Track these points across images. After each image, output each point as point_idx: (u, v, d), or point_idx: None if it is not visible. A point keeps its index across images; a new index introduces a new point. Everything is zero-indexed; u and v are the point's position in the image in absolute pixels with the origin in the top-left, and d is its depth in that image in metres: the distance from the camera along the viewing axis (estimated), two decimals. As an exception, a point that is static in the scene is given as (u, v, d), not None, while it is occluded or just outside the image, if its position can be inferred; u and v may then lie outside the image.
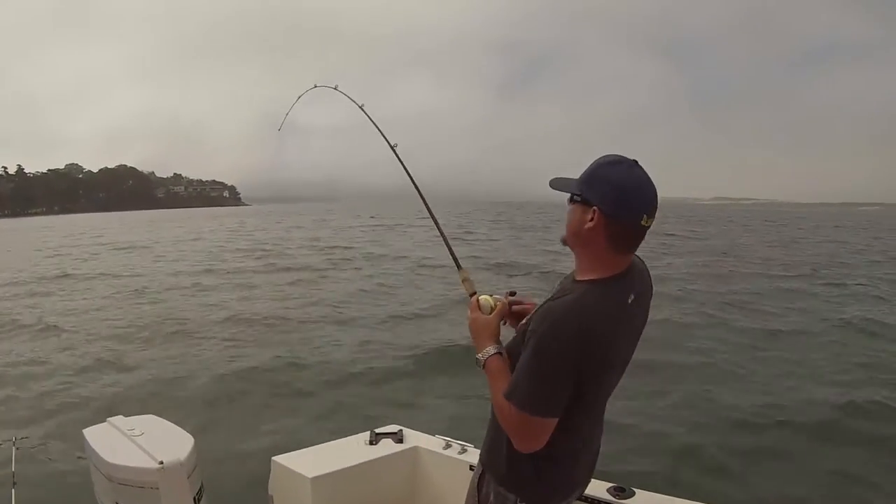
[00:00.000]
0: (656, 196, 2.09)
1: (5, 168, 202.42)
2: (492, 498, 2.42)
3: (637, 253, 2.21)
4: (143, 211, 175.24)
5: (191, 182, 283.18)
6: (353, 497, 3.87)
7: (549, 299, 2.23)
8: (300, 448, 4.08)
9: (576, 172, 2.20)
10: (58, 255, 35.85)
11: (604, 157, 2.15)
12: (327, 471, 3.74)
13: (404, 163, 3.17)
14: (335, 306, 16.37)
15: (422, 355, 11.09)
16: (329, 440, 4.26)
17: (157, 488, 3.01)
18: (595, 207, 2.07)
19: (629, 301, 2.16)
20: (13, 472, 3.32)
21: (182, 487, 3.08)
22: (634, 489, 3.26)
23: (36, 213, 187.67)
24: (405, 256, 28.54)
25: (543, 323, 2.07)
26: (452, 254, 2.86)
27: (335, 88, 3.63)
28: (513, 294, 2.58)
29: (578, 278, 2.19)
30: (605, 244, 2.09)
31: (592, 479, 3.04)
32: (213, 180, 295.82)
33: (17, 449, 3.59)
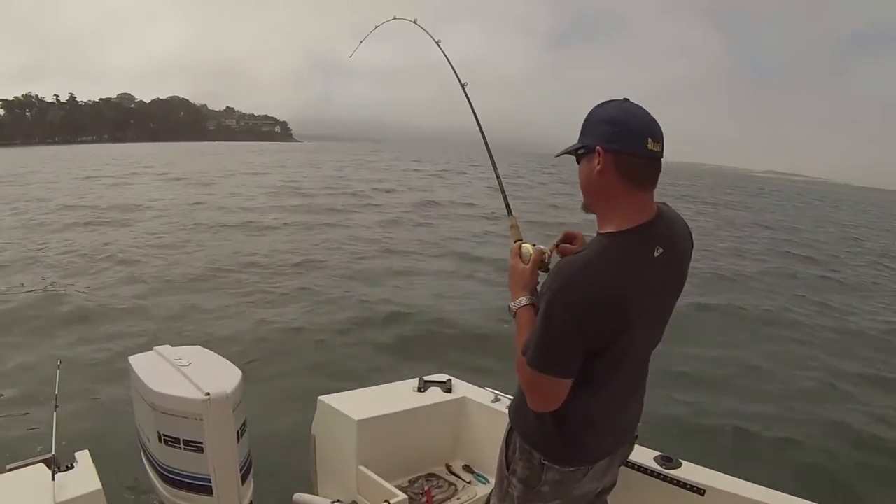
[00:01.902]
0: (656, 122, 2.00)
1: (57, 96, 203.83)
2: (517, 454, 2.36)
3: None
4: (194, 143, 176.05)
5: (242, 116, 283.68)
6: (397, 443, 3.81)
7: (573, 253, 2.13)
8: (347, 390, 4.02)
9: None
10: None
11: (594, 107, 2.07)
12: (374, 414, 3.69)
13: (472, 103, 3.05)
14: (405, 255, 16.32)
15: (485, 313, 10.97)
16: (377, 384, 4.22)
17: (201, 419, 2.95)
18: (598, 148, 1.99)
19: (655, 254, 2.03)
20: (55, 395, 3.27)
21: (226, 420, 3.02)
22: (682, 461, 3.18)
23: (85, 141, 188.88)
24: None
25: (554, 283, 1.99)
26: (505, 199, 2.80)
27: (414, 22, 3.50)
28: (568, 239, 2.42)
29: (599, 230, 2.08)
30: (618, 184, 2.00)
31: (639, 446, 2.96)
32: (265, 115, 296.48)
33: (61, 371, 3.54)
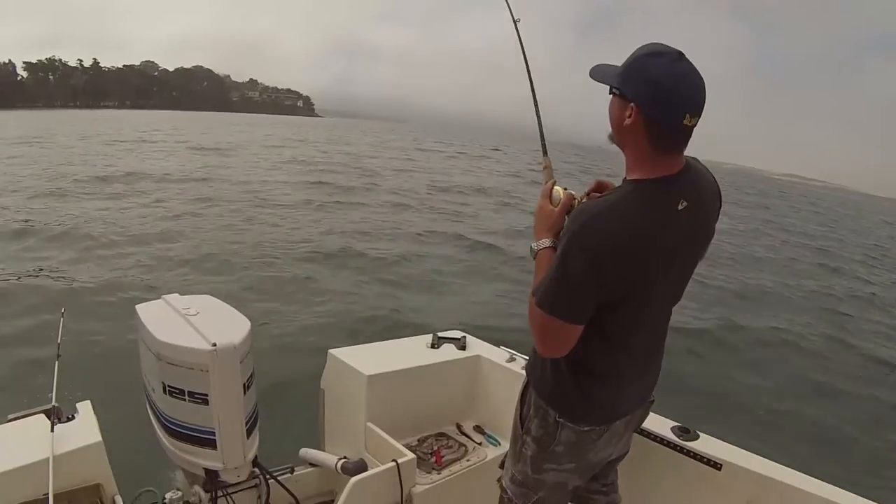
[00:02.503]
0: (702, 91, 1.91)
1: (80, 61, 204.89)
2: (532, 411, 2.31)
3: None
4: (217, 113, 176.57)
5: (266, 89, 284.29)
6: (408, 400, 3.76)
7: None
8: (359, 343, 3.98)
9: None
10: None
11: (645, 46, 1.97)
12: (385, 370, 3.63)
13: (522, 40, 2.89)
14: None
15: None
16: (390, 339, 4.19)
17: (207, 371, 2.87)
18: (632, 104, 1.93)
19: (679, 207, 1.98)
20: (58, 344, 3.21)
21: (233, 372, 2.94)
22: (699, 433, 3.13)
23: (107, 107, 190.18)
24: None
25: (574, 223, 1.93)
26: (542, 138, 2.66)
27: None
28: (600, 188, 2.32)
29: (626, 177, 2.02)
30: (645, 144, 1.96)
31: (656, 416, 2.89)
32: (289, 89, 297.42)
33: (65, 319, 3.47)
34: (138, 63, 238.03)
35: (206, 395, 2.93)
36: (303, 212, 18.03)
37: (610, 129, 2.07)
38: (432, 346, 4.02)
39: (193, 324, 3.05)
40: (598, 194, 2.26)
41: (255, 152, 38.27)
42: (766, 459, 2.94)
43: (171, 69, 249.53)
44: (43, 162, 27.57)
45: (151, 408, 3.21)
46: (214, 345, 2.87)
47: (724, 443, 3.08)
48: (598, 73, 2.05)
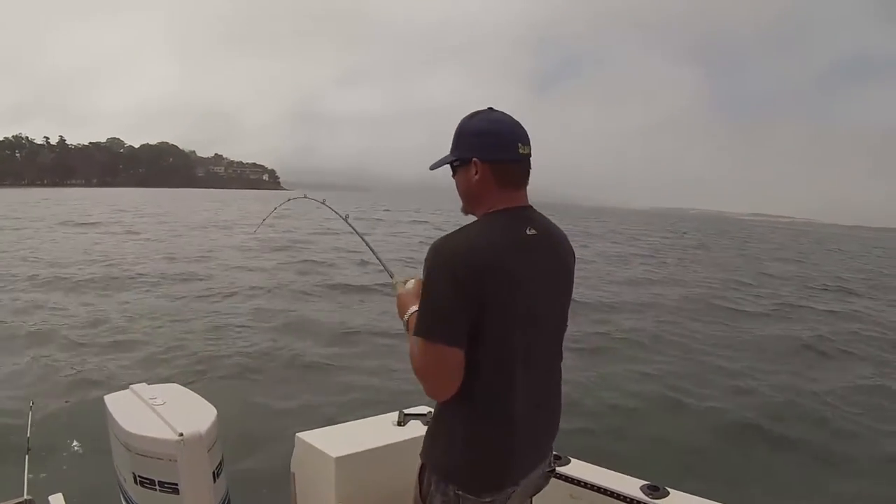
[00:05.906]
0: (521, 127, 2.20)
1: (47, 138, 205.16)
2: (432, 488, 2.26)
3: None
4: (184, 189, 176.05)
5: (231, 163, 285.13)
6: (378, 479, 3.75)
7: None
8: (326, 426, 3.98)
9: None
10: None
11: (463, 118, 2.24)
12: (352, 451, 3.62)
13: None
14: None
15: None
16: (356, 419, 4.16)
17: (176, 461, 2.90)
18: (474, 159, 2.16)
19: (527, 232, 2.16)
20: (28, 438, 3.23)
21: (201, 461, 2.97)
22: (668, 489, 3.14)
23: (75, 185, 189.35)
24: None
25: (430, 254, 2.07)
26: (381, 261, 3.03)
27: (323, 202, 3.70)
28: None
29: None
30: (496, 186, 2.17)
31: (623, 475, 2.90)
32: (254, 163, 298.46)
33: (33, 412, 3.49)
34: (104, 140, 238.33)
35: (177, 484, 2.95)
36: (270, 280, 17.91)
37: (462, 206, 2.30)
38: (399, 424, 3.99)
39: (160, 414, 3.09)
40: None
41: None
42: None
43: (136, 145, 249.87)
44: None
45: (124, 498, 3.22)
46: (181, 434, 2.90)
47: (696, 497, 3.09)
48: (437, 164, 2.30)
